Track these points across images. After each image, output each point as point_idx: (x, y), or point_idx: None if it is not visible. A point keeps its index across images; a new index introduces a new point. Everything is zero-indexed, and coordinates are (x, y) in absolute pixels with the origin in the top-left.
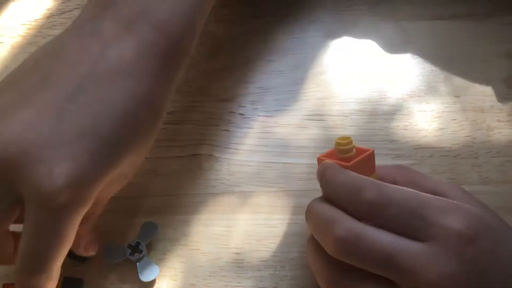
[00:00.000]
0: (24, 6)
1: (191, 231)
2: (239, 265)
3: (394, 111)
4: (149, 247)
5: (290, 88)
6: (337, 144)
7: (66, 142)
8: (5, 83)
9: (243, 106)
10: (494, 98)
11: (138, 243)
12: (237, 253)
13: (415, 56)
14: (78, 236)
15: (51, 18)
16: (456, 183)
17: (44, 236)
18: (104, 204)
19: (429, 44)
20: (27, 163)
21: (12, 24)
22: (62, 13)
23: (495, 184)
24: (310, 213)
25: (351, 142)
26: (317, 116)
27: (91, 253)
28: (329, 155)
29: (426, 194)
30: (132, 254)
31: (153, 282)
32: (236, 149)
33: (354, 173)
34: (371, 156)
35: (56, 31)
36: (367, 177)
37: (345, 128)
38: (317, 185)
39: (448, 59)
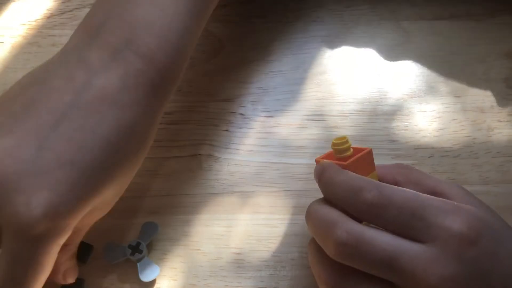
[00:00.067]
0: (24, 6)
1: (191, 231)
2: (239, 265)
3: (394, 111)
4: (150, 247)
5: (290, 88)
6: (333, 144)
7: (45, 171)
8: None
9: (243, 106)
10: (494, 98)
11: (138, 243)
12: (238, 253)
13: (415, 56)
14: (57, 263)
15: (52, 18)
16: (457, 183)
17: (21, 265)
18: (86, 231)
19: (429, 44)
20: (5, 192)
21: (12, 24)
22: (62, 13)
23: (495, 184)
24: (310, 215)
25: (347, 141)
26: (317, 116)
27: (70, 280)
28: (327, 157)
29: (427, 195)
30: (132, 254)
31: (153, 282)
32: (236, 149)
33: (354, 174)
34: (369, 155)
35: (56, 31)
36: (366, 177)
37: (345, 128)
38: (317, 185)
39: (448, 59)
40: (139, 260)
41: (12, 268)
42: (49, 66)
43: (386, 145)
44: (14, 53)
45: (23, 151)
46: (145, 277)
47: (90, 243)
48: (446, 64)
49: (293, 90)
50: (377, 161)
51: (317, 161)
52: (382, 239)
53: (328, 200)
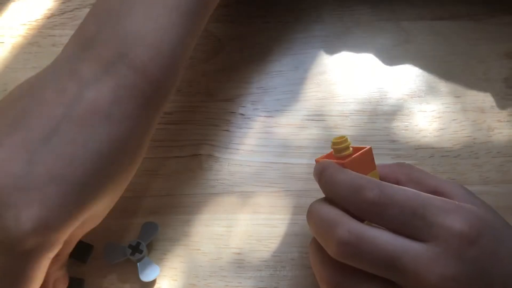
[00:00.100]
0: (24, 6)
1: (191, 231)
2: (239, 265)
3: (394, 112)
4: (150, 247)
5: (291, 88)
6: (333, 143)
7: (36, 186)
8: None
9: (244, 106)
10: (494, 98)
11: (138, 243)
12: (238, 253)
13: (415, 56)
14: (46, 274)
15: (52, 18)
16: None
17: (10, 279)
18: (76, 242)
19: (429, 44)
20: None
21: (12, 24)
22: (62, 13)
23: (495, 184)
24: (311, 215)
25: (346, 140)
26: (318, 116)
27: None
28: (327, 157)
29: (428, 194)
30: (132, 254)
31: (153, 282)
32: (237, 149)
33: (355, 173)
34: (368, 153)
35: (57, 31)
36: (368, 176)
37: (346, 129)
38: (317, 185)
39: (448, 59)
40: (139, 260)
41: (2, 282)
42: (41, 77)
43: (386, 145)
44: (14, 53)
45: (13, 165)
46: (145, 277)
47: (90, 243)
48: (446, 64)
49: (293, 90)
50: (378, 161)
51: (317, 161)
52: (384, 238)
53: (329, 199)
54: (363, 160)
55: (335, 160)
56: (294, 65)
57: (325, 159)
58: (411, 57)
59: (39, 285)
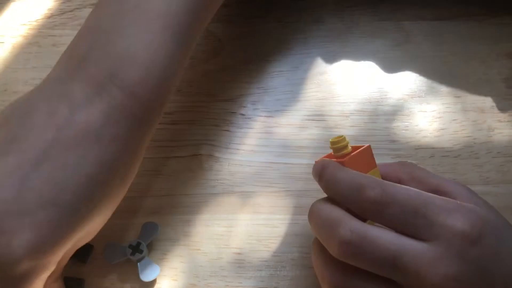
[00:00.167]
0: (24, 6)
1: (191, 231)
2: (239, 265)
3: (394, 112)
4: (150, 247)
5: (291, 89)
6: (331, 143)
7: (26, 212)
8: None
9: (244, 107)
10: (494, 98)
11: (139, 243)
12: (238, 253)
13: (415, 56)
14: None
15: (52, 18)
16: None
17: None
18: (69, 257)
19: (429, 44)
20: None
21: (12, 24)
22: (63, 13)
23: (495, 184)
24: (313, 214)
25: (344, 139)
26: (318, 117)
27: None
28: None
29: (429, 193)
30: (132, 254)
31: (153, 282)
32: (237, 149)
33: (356, 171)
34: (367, 151)
35: (57, 31)
36: (369, 175)
37: (346, 129)
38: (317, 185)
39: (448, 59)
40: (140, 260)
41: None
42: (33, 98)
43: (386, 145)
44: (15, 53)
45: (4, 190)
46: (146, 277)
47: (90, 243)
48: (446, 64)
49: (293, 90)
50: (378, 161)
51: (316, 163)
52: (386, 238)
53: (331, 199)
54: (363, 158)
55: (335, 160)
56: (294, 65)
57: (324, 158)
58: (411, 57)
59: None
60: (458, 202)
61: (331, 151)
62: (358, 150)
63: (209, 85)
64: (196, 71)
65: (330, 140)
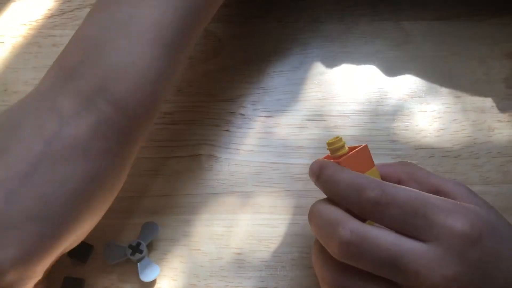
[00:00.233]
0: (24, 6)
1: (191, 231)
2: (239, 265)
3: (394, 112)
4: (150, 247)
5: (291, 89)
6: (328, 144)
7: (13, 225)
8: None
9: (244, 107)
10: (494, 98)
11: (138, 243)
12: (238, 253)
13: (415, 56)
14: None
15: (52, 18)
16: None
17: None
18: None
19: (429, 44)
20: None
21: (12, 24)
22: (63, 13)
23: (495, 185)
24: (313, 215)
25: (340, 140)
26: (318, 117)
27: None
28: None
29: (429, 194)
30: (132, 254)
31: (153, 282)
32: (237, 149)
33: (355, 172)
34: (365, 150)
35: (57, 31)
36: (369, 175)
37: (346, 129)
38: None
39: (448, 59)
40: (140, 260)
41: None
42: (22, 109)
43: (386, 145)
44: (15, 53)
45: None
46: (146, 277)
47: (90, 243)
48: (446, 64)
49: (293, 90)
50: (378, 161)
51: None
52: (386, 238)
53: (331, 199)
54: (360, 158)
55: (332, 160)
56: (294, 65)
57: (321, 159)
58: (411, 57)
59: None
60: (458, 202)
61: (328, 152)
62: (355, 150)
63: (209, 85)
64: (196, 71)
65: (327, 141)
